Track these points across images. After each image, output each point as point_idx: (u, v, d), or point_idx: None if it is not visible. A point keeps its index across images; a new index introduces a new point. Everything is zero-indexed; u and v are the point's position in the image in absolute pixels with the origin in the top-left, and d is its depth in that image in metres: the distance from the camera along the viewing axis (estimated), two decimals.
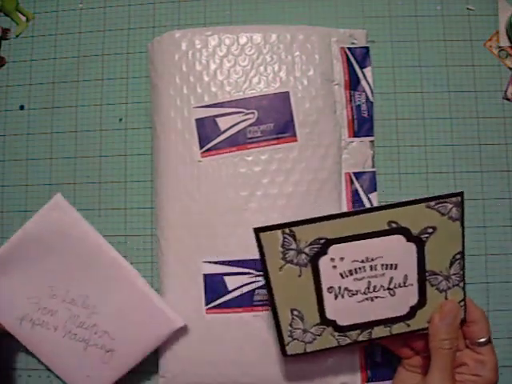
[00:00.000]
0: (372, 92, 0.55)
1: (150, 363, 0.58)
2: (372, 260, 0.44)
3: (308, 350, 0.46)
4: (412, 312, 0.45)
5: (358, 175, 0.55)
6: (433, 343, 0.45)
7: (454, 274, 0.44)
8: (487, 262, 0.59)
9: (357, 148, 0.55)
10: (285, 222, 0.42)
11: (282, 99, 0.53)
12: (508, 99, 0.61)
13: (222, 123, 0.53)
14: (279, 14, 0.63)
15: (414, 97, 0.62)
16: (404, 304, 0.45)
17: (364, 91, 0.56)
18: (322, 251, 0.43)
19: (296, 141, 0.53)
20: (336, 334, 0.45)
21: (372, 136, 0.55)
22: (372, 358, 0.53)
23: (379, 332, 0.46)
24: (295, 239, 0.43)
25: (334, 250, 0.43)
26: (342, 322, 0.45)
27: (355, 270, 0.44)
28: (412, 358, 0.50)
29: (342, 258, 0.43)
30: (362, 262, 0.44)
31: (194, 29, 0.54)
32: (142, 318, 0.55)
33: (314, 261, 0.43)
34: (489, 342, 0.47)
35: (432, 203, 0.43)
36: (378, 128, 0.59)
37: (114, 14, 0.65)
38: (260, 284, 0.52)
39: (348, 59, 0.55)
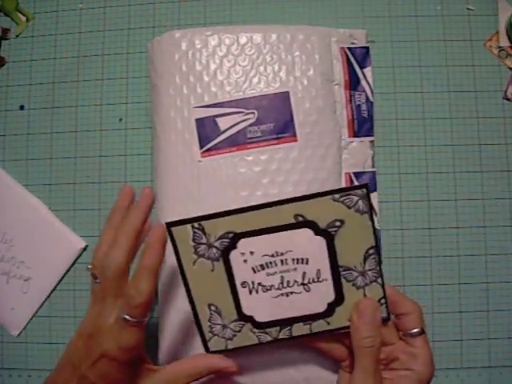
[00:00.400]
0: (372, 92, 0.55)
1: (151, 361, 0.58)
2: (282, 254, 0.43)
3: (229, 347, 0.45)
4: (330, 309, 0.44)
5: (358, 175, 0.55)
6: (354, 342, 0.43)
7: (370, 270, 0.43)
8: (487, 262, 0.59)
9: (357, 148, 0.55)
10: (195, 216, 0.42)
11: (282, 99, 0.53)
12: (508, 99, 0.61)
13: (222, 123, 0.53)
14: (279, 14, 0.63)
15: (413, 97, 0.62)
16: (321, 300, 0.44)
17: (364, 91, 0.55)
18: (232, 245, 0.43)
19: (296, 141, 0.52)
20: (256, 330, 0.44)
21: (372, 136, 0.55)
22: None
23: (299, 330, 0.44)
24: (204, 233, 0.42)
25: (243, 244, 0.43)
26: (260, 318, 0.44)
27: (266, 264, 0.43)
28: (346, 359, 0.48)
29: (252, 252, 0.43)
30: (273, 256, 0.43)
31: (193, 29, 0.54)
32: (49, 243, 0.62)
33: (224, 255, 0.43)
34: (421, 333, 0.44)
35: (337, 196, 0.41)
36: (378, 128, 0.59)
37: (114, 13, 0.65)
38: None
39: (348, 59, 0.55)
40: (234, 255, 0.43)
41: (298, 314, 0.44)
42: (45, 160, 0.63)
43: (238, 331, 0.45)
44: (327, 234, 0.42)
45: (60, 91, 0.64)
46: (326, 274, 0.43)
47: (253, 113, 0.53)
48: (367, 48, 0.56)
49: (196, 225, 0.42)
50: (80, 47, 0.65)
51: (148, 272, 0.41)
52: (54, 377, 0.44)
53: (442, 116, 0.61)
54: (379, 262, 0.43)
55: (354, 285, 0.43)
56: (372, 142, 0.55)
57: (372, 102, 0.55)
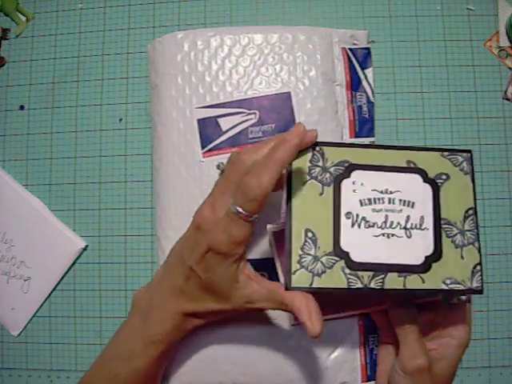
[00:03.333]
0: (373, 93, 0.55)
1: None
2: (391, 193, 0.43)
3: (314, 285, 0.42)
4: (427, 263, 0.42)
5: None
6: (395, 326, 0.45)
7: (469, 231, 0.43)
8: (487, 262, 0.59)
9: None
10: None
11: (284, 99, 0.53)
12: (508, 99, 0.61)
13: (224, 123, 0.53)
14: (279, 14, 0.63)
15: (413, 97, 0.62)
16: (420, 250, 0.43)
17: (365, 92, 0.56)
18: (346, 173, 0.43)
19: None
20: (348, 271, 0.42)
21: (373, 137, 0.56)
22: (372, 358, 0.53)
23: (393, 282, 0.42)
24: (323, 157, 0.43)
25: (356, 174, 0.43)
26: (356, 256, 0.42)
27: (374, 199, 0.43)
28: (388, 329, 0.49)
29: (362, 184, 0.43)
30: (381, 192, 0.43)
31: (195, 30, 0.54)
32: (49, 243, 0.62)
33: (336, 181, 0.43)
34: (468, 301, 0.45)
35: (446, 153, 0.44)
36: (379, 128, 0.59)
37: (114, 14, 0.65)
38: None
39: (349, 60, 0.55)
40: (345, 183, 0.43)
41: (395, 262, 0.42)
42: (45, 160, 0.63)
43: (330, 267, 0.42)
44: (434, 184, 0.44)
45: (60, 91, 0.64)
46: (429, 222, 0.43)
47: (254, 113, 0.53)
48: (368, 49, 0.56)
49: (317, 148, 0.43)
50: (80, 47, 0.65)
51: (276, 165, 0.38)
52: (162, 270, 0.45)
53: (441, 116, 0.61)
54: (477, 226, 0.43)
55: (452, 242, 0.43)
56: (372, 142, 0.55)
57: (373, 103, 0.55)
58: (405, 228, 0.43)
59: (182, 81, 0.54)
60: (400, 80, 0.62)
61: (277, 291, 0.42)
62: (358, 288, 0.42)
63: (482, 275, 0.42)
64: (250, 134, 0.52)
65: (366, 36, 0.56)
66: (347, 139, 0.54)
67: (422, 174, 0.44)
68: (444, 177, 0.44)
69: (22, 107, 0.64)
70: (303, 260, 0.42)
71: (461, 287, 0.41)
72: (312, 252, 0.42)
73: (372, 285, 0.42)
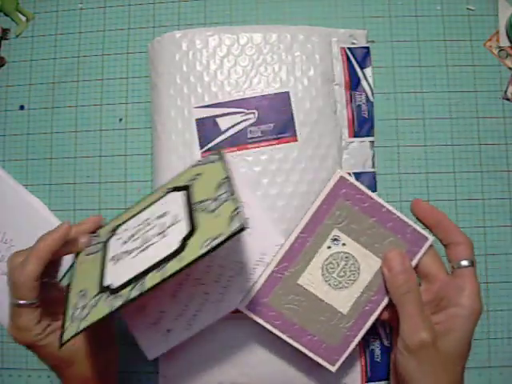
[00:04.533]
0: (372, 92, 0.55)
1: (150, 363, 0.58)
2: (148, 219, 0.46)
3: (81, 327, 0.41)
4: (183, 244, 0.41)
5: (358, 175, 0.55)
6: (392, 294, 0.45)
7: (223, 193, 0.42)
8: (487, 262, 0.59)
9: (357, 148, 0.55)
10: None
11: (283, 99, 0.53)
12: (508, 99, 0.61)
13: (223, 123, 0.53)
14: (279, 14, 0.63)
15: (413, 97, 0.62)
16: (174, 239, 0.42)
17: (364, 91, 0.56)
18: (112, 234, 0.47)
19: (296, 141, 0.53)
20: (110, 297, 0.42)
21: (372, 136, 0.56)
22: (372, 358, 0.53)
23: (152, 279, 0.41)
24: (97, 236, 0.49)
25: (120, 230, 0.47)
26: (116, 283, 0.42)
27: (133, 234, 0.45)
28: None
29: (126, 230, 0.47)
30: (140, 225, 0.46)
31: (194, 29, 0.54)
32: None
33: (105, 243, 0.47)
34: (471, 265, 0.44)
35: (199, 162, 0.49)
36: (378, 128, 0.59)
37: (114, 14, 0.65)
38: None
39: (348, 59, 0.55)
40: (112, 240, 0.46)
41: (151, 263, 0.42)
42: (45, 160, 0.63)
43: (95, 305, 0.42)
44: (185, 187, 0.46)
45: (60, 91, 0.64)
46: (182, 215, 0.44)
47: (253, 113, 0.53)
48: (367, 48, 0.56)
49: (95, 233, 0.49)
50: (80, 47, 0.65)
51: (36, 255, 0.43)
52: None
53: (441, 116, 0.61)
54: (232, 185, 0.43)
55: (207, 211, 0.42)
56: (372, 142, 0.55)
57: (372, 102, 0.55)
58: (160, 233, 0.44)
59: (181, 80, 0.54)
60: (400, 80, 0.62)
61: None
62: (120, 306, 0.40)
63: (241, 216, 0.39)
64: (248, 134, 0.52)
65: (365, 35, 0.56)
66: (346, 138, 0.54)
67: (177, 188, 0.47)
68: (197, 177, 0.46)
69: (21, 107, 0.64)
70: (74, 314, 0.43)
71: (220, 239, 0.37)
72: (82, 303, 0.44)
73: (132, 294, 0.40)
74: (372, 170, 0.56)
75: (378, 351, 0.53)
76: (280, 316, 0.48)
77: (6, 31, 0.65)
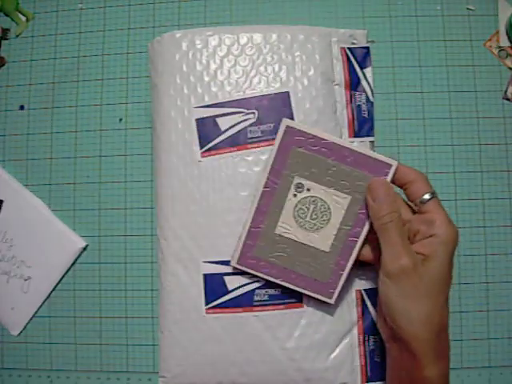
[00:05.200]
0: (372, 92, 0.55)
1: (150, 363, 0.59)
2: None
3: None
4: None
5: None
6: (375, 224, 0.45)
7: None
8: (487, 262, 0.59)
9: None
10: None
11: (283, 99, 0.53)
12: (508, 99, 0.61)
13: (223, 123, 0.53)
14: (279, 13, 0.63)
15: (413, 97, 0.62)
16: None
17: (364, 91, 0.55)
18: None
19: None
20: None
21: (372, 136, 0.55)
22: (372, 358, 0.53)
23: None
24: None
25: None
26: None
27: None
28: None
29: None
30: None
31: (194, 29, 0.54)
32: (49, 243, 0.62)
33: None
34: (432, 197, 0.44)
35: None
36: (378, 128, 0.59)
37: (114, 13, 0.65)
38: (260, 284, 0.52)
39: (348, 59, 0.55)
40: None
41: None
42: (45, 160, 0.63)
43: None
44: None
45: (60, 91, 0.64)
46: None
47: (253, 113, 0.53)
48: (367, 48, 0.56)
49: None
50: (80, 47, 0.65)
51: None
52: None
53: (441, 116, 0.61)
54: None
55: None
56: (372, 142, 0.55)
57: (372, 102, 0.55)
58: None
59: (181, 80, 0.54)
60: (400, 80, 0.62)
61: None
62: None
63: None
64: (248, 134, 0.52)
65: (365, 35, 0.56)
66: (346, 139, 0.54)
67: None
68: None
69: (21, 107, 0.64)
70: None
71: None
72: None
73: None
74: None
75: (378, 351, 0.53)
76: (269, 265, 0.50)
77: (5, 31, 0.65)
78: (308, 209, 0.49)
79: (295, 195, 0.49)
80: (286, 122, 0.48)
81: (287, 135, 0.48)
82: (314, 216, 0.49)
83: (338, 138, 0.48)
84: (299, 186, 0.48)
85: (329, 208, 0.48)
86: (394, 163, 0.46)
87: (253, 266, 0.51)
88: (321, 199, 0.48)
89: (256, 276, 0.51)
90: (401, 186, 0.47)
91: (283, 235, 0.50)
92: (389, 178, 0.46)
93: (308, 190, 0.48)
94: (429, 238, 0.43)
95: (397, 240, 0.42)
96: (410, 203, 0.47)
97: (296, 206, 0.49)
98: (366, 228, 0.48)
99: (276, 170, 0.48)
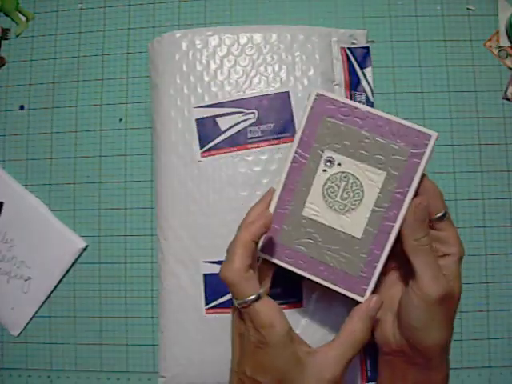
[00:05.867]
0: (372, 92, 0.55)
1: (150, 363, 0.59)
2: None
3: None
4: None
5: None
6: (411, 244, 0.41)
7: None
8: (487, 262, 0.59)
9: None
10: None
11: (283, 99, 0.53)
12: (508, 99, 0.61)
13: (223, 123, 0.53)
14: (279, 13, 0.63)
15: (413, 97, 0.62)
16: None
17: (364, 91, 0.55)
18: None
19: None
20: None
21: None
22: (372, 358, 0.53)
23: None
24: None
25: None
26: None
27: None
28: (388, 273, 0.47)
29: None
30: None
31: (194, 29, 0.54)
32: (49, 243, 0.62)
33: None
34: (446, 215, 0.43)
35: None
36: None
37: (113, 13, 0.65)
38: None
39: (348, 59, 0.55)
40: None
41: None
42: (45, 160, 0.63)
43: None
44: None
45: (60, 91, 0.64)
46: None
47: (253, 113, 0.53)
48: (367, 48, 0.56)
49: None
50: (80, 47, 0.65)
51: (238, 245, 0.41)
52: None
53: (441, 116, 0.61)
54: None
55: None
56: None
57: (372, 102, 0.55)
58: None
59: (181, 80, 0.54)
60: (400, 80, 0.62)
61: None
62: None
63: None
64: (248, 134, 0.52)
65: (365, 35, 0.56)
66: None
67: None
68: None
69: (21, 107, 0.64)
70: None
71: None
72: None
73: None
74: None
75: (378, 351, 0.53)
76: (295, 253, 0.45)
77: (5, 31, 0.65)
78: (339, 187, 0.44)
79: (325, 171, 0.44)
80: (316, 90, 0.44)
81: (317, 104, 0.44)
82: (345, 195, 0.44)
83: (372, 109, 0.43)
84: (330, 160, 0.44)
85: (361, 186, 0.44)
86: (434, 134, 0.42)
87: (277, 255, 0.45)
88: (353, 175, 0.44)
89: (280, 267, 0.46)
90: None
91: (311, 218, 0.45)
92: (428, 150, 0.42)
93: (339, 164, 0.44)
94: (444, 256, 0.43)
95: (436, 263, 0.41)
96: None
97: (326, 183, 0.44)
98: (404, 211, 0.42)
99: (305, 142, 0.44)
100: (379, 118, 0.43)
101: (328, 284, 0.45)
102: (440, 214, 0.42)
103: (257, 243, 0.42)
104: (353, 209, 0.44)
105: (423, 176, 0.43)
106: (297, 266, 0.45)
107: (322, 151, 0.44)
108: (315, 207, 0.44)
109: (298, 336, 0.44)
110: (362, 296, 0.44)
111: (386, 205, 0.43)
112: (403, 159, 0.42)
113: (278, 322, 0.40)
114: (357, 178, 0.44)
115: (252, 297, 0.40)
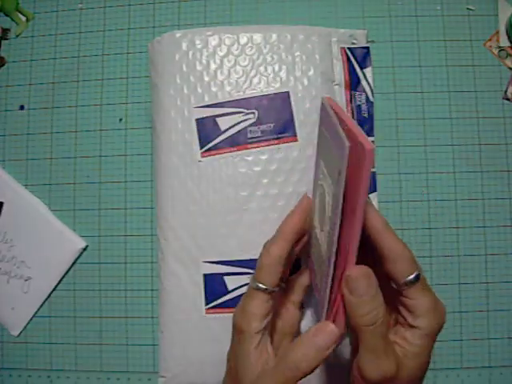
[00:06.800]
0: (372, 92, 0.55)
1: (150, 363, 0.59)
2: None
3: None
4: None
5: None
6: (352, 323, 0.35)
7: None
8: (487, 262, 0.59)
9: None
10: None
11: (283, 99, 0.53)
12: (508, 99, 0.61)
13: (223, 123, 0.53)
14: (279, 13, 0.63)
15: (413, 97, 0.62)
16: None
17: (364, 91, 0.55)
18: None
19: (296, 141, 0.52)
20: None
21: (372, 136, 0.55)
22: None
23: None
24: None
25: None
26: None
27: None
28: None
29: None
30: None
31: (194, 29, 0.54)
32: (49, 243, 0.62)
33: None
34: (418, 279, 0.36)
35: None
36: (378, 128, 0.59)
37: (113, 13, 0.65)
38: None
39: (348, 59, 0.55)
40: None
41: None
42: (45, 160, 0.63)
43: None
44: None
45: (60, 91, 0.64)
46: None
47: (253, 113, 0.53)
48: (367, 48, 0.56)
49: None
50: (80, 47, 0.65)
51: (283, 237, 0.40)
52: None
53: (441, 116, 0.61)
54: None
55: None
56: (372, 142, 0.55)
57: (372, 102, 0.55)
58: None
59: (181, 80, 0.54)
60: (400, 80, 0.62)
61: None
62: None
63: None
64: (248, 134, 0.52)
65: (365, 35, 0.56)
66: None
67: None
68: None
69: (21, 107, 0.64)
70: None
71: None
72: None
73: None
74: (372, 170, 0.56)
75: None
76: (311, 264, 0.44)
77: (5, 31, 0.65)
78: (320, 202, 0.38)
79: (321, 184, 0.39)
80: (324, 98, 0.39)
81: (321, 114, 0.41)
82: (322, 211, 0.37)
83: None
84: (323, 173, 0.38)
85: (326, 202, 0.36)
86: (346, 145, 0.29)
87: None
88: (323, 187, 0.38)
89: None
90: (382, 261, 0.38)
91: (315, 235, 0.41)
92: (343, 166, 0.30)
93: (323, 176, 0.38)
94: (410, 331, 0.37)
95: (379, 344, 0.35)
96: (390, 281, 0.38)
97: (319, 197, 0.39)
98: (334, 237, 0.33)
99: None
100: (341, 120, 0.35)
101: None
102: (410, 277, 0.36)
103: (298, 234, 0.41)
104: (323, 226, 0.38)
105: (388, 233, 0.37)
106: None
107: (319, 163, 0.41)
108: (315, 224, 0.40)
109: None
110: (320, 319, 0.39)
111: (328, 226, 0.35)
112: (336, 174, 0.32)
113: (252, 322, 0.39)
114: (325, 192, 0.37)
115: (262, 286, 0.39)
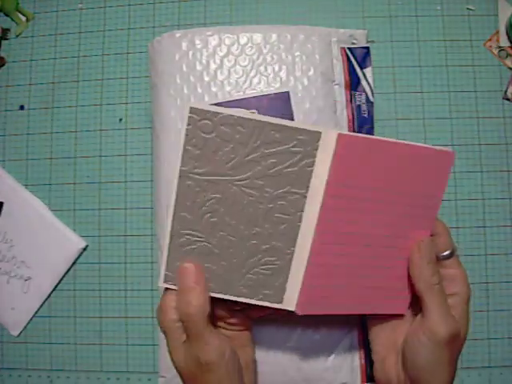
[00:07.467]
0: (372, 92, 0.55)
1: (150, 363, 0.59)
2: None
3: None
4: None
5: None
6: (421, 284, 0.40)
7: None
8: (487, 262, 0.59)
9: None
10: None
11: (283, 99, 0.53)
12: (508, 99, 0.61)
13: None
14: (279, 13, 0.63)
15: (413, 97, 0.62)
16: None
17: (364, 91, 0.55)
18: None
19: None
20: None
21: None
22: (372, 358, 0.53)
23: None
24: None
25: None
26: None
27: None
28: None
29: None
30: None
31: (194, 29, 0.54)
32: (49, 243, 0.62)
33: None
34: (453, 253, 0.42)
35: None
36: (378, 128, 0.59)
37: (113, 13, 0.65)
38: None
39: (348, 59, 0.55)
40: None
41: None
42: (45, 160, 0.63)
43: None
44: None
45: (60, 91, 0.64)
46: None
47: (253, 113, 0.53)
48: (367, 48, 0.56)
49: None
50: (80, 47, 0.65)
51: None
52: None
53: (441, 116, 0.61)
54: None
55: None
56: None
57: (372, 102, 0.55)
58: None
59: (181, 80, 0.54)
60: (400, 80, 0.62)
61: None
62: None
63: None
64: None
65: (365, 35, 0.56)
66: None
67: None
68: None
69: (21, 107, 0.64)
70: None
71: None
72: None
73: None
74: None
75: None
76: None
77: (5, 31, 0.65)
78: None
79: None
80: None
81: None
82: None
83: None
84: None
85: None
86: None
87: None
88: None
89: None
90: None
91: None
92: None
93: None
94: (452, 295, 0.42)
95: (445, 301, 0.40)
96: None
97: None
98: None
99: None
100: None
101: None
102: (447, 253, 0.42)
103: None
104: None
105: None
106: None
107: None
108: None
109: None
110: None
111: None
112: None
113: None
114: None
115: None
